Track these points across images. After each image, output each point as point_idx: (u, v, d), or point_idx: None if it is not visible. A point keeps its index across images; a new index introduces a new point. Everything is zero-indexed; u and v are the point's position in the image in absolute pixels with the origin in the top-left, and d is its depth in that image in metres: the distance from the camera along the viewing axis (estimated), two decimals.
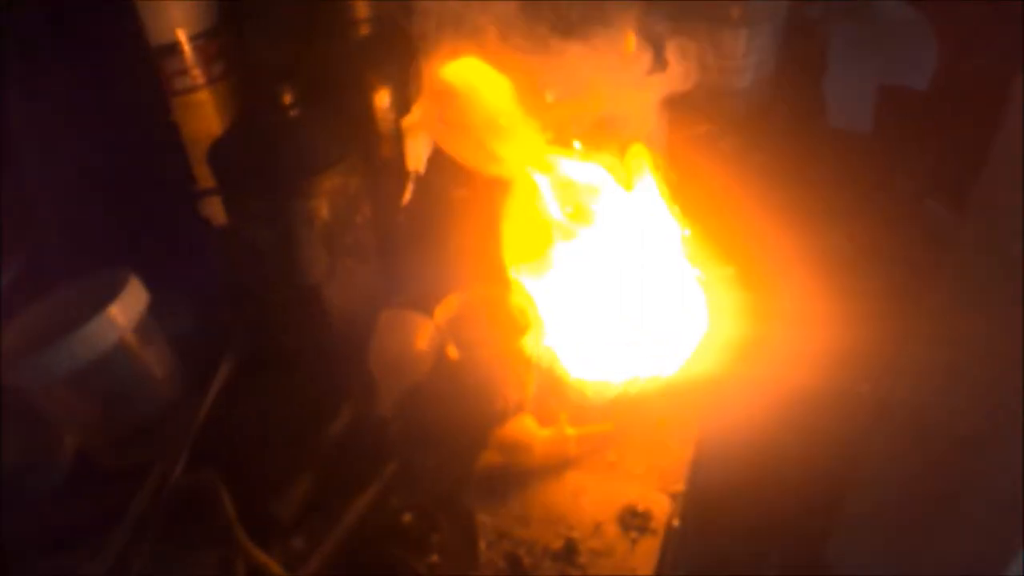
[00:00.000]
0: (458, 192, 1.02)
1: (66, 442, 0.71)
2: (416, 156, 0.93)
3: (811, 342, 1.14)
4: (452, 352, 0.72)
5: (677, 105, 0.89)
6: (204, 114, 0.89)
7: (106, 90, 0.77)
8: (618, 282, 0.79)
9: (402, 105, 0.89)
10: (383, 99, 0.87)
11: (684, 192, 0.87)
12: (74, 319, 0.65)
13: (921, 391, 1.13)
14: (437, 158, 0.99)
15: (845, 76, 1.26)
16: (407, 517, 0.68)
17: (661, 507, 0.67)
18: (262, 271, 0.78)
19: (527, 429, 0.71)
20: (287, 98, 0.73)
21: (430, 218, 0.97)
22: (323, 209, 0.75)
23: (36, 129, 0.76)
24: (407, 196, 0.94)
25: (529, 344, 0.73)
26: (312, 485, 0.71)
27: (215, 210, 0.88)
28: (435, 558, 0.65)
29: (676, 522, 0.67)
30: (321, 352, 0.81)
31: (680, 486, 0.70)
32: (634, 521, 0.66)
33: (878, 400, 1.22)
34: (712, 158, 1.16)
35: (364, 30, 0.83)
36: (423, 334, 0.79)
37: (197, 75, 0.88)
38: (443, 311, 0.74)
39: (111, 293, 0.68)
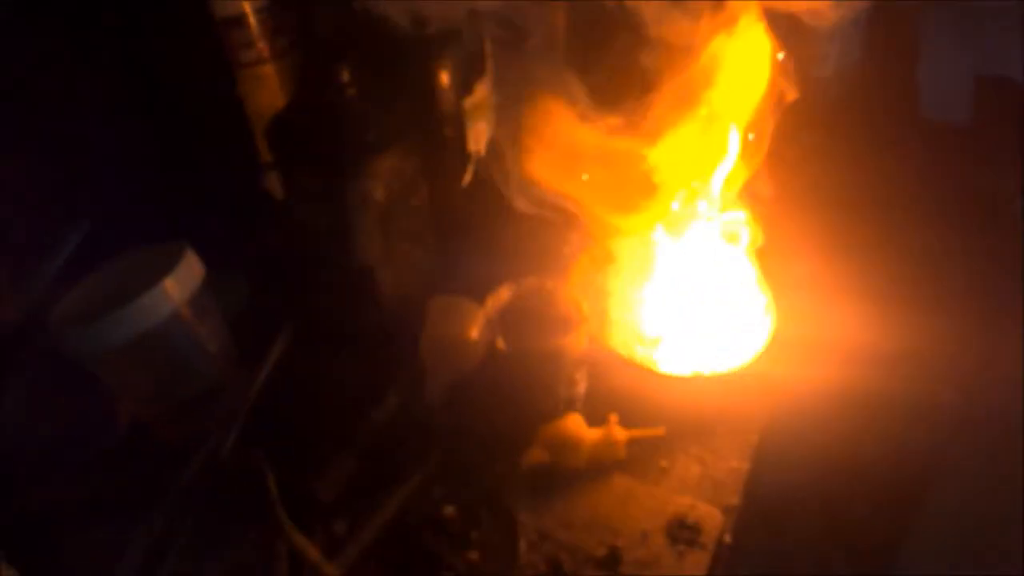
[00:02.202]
0: None
1: (121, 412, 0.72)
2: (477, 138, 0.90)
3: (891, 346, 1.09)
4: (500, 344, 0.69)
5: None
6: (269, 88, 0.89)
7: (171, 61, 0.77)
8: (690, 272, 0.77)
9: (464, 85, 0.86)
10: (445, 79, 0.85)
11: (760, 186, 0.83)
12: (130, 290, 0.66)
13: (1009, 404, 1.06)
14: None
15: (941, 65, 1.18)
16: (449, 510, 0.67)
17: (713, 521, 0.64)
18: (316, 251, 0.78)
19: (575, 428, 0.68)
20: (345, 76, 0.71)
21: (491, 203, 0.95)
22: (378, 191, 0.73)
23: (100, 100, 0.77)
24: (467, 179, 0.91)
25: (581, 340, 0.70)
26: (356, 468, 0.70)
27: (277, 186, 0.88)
28: (474, 555, 0.63)
29: (728, 538, 0.63)
30: (373, 335, 0.80)
31: (735, 500, 0.66)
32: (683, 533, 0.63)
33: (962, 411, 1.16)
34: (791, 151, 1.11)
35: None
36: (476, 323, 0.76)
37: (262, 48, 0.87)
38: (494, 301, 0.72)
39: (167, 266, 0.68)
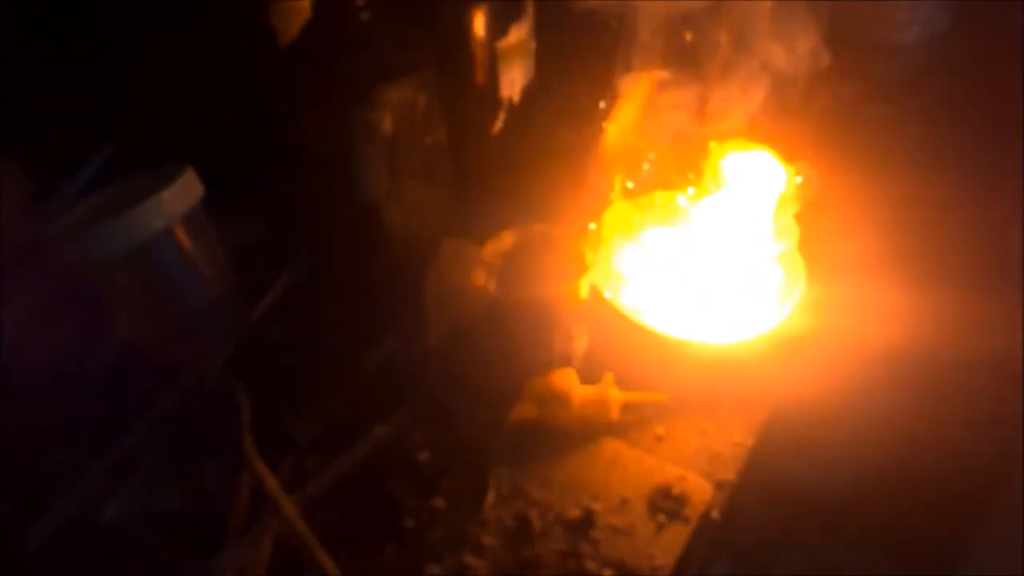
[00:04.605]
0: (562, 131, 0.95)
1: (116, 332, 0.72)
2: (511, 83, 0.86)
3: (965, 352, 1.00)
4: (492, 288, 0.65)
5: None
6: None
7: None
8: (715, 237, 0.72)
9: (499, 27, 0.82)
10: (478, 19, 0.81)
11: (824, 157, 0.76)
12: (127, 204, 0.65)
13: None
14: (542, 93, 0.92)
15: None
16: (424, 455, 0.64)
17: (701, 494, 0.58)
18: (323, 185, 0.75)
19: (566, 384, 0.63)
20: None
21: (524, 152, 0.91)
22: (386, 122, 0.70)
23: (128, 27, 0.77)
24: (498, 125, 0.87)
25: (583, 292, 0.65)
26: (339, 410, 0.68)
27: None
28: (439, 502, 0.60)
29: (715, 514, 0.57)
30: (376, 275, 0.77)
31: (730, 475, 0.60)
32: (665, 503, 0.57)
33: None
34: (860, 123, 1.02)
35: None
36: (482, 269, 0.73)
37: None
38: (495, 245, 0.68)
39: (165, 183, 0.67)
